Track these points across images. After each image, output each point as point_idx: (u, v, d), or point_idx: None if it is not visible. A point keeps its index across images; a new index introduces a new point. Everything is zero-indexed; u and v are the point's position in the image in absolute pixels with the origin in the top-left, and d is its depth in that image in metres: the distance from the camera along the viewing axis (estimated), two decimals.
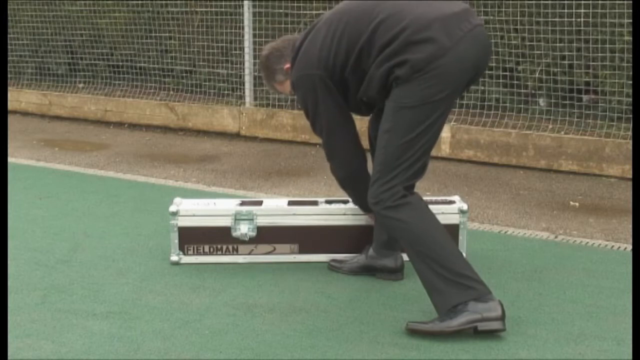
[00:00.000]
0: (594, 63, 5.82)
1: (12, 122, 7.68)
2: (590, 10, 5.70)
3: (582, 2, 5.71)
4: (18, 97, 8.35)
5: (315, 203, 3.83)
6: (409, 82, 3.03)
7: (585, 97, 5.99)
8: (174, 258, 3.75)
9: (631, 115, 5.54)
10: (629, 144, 5.46)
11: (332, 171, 3.48)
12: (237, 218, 3.72)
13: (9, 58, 8.57)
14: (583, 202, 4.99)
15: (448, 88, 3.05)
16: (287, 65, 3.39)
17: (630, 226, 4.41)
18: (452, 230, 3.76)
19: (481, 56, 3.13)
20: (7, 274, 3.44)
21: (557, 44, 5.93)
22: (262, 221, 3.75)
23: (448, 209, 3.79)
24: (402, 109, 3.06)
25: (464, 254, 3.76)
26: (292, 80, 3.33)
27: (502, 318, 2.98)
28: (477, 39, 3.07)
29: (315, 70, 3.22)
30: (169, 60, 7.75)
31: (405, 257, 3.55)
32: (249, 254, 3.75)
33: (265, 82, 3.58)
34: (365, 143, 3.47)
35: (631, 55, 5.52)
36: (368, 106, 3.35)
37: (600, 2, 5.66)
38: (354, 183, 3.48)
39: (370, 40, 3.09)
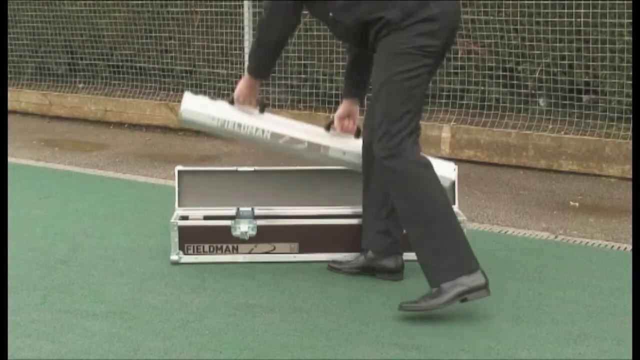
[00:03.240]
0: (593, 63, 5.82)
1: (12, 122, 7.68)
2: (590, 10, 5.70)
3: (582, 2, 5.71)
4: (18, 97, 8.35)
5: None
6: (401, 31, 3.11)
7: (585, 97, 5.99)
8: (174, 257, 3.75)
9: (631, 115, 5.55)
10: (629, 144, 5.47)
11: (264, 28, 3.43)
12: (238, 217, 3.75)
13: (9, 58, 8.56)
14: (583, 202, 4.99)
15: (438, 39, 3.14)
16: None
17: (630, 226, 4.41)
18: None
19: (457, 18, 3.26)
20: (7, 274, 3.44)
21: (557, 44, 5.93)
22: (262, 220, 3.75)
23: None
24: (397, 55, 3.12)
25: None
26: None
27: (486, 285, 3.10)
28: None
29: None
30: (169, 61, 7.75)
31: (405, 257, 3.56)
32: (249, 253, 3.75)
33: None
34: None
35: (631, 55, 5.52)
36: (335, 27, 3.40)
37: (600, 2, 5.66)
38: (278, 49, 3.48)
39: None
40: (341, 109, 3.65)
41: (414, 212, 3.13)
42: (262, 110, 3.66)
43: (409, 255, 3.60)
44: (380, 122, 3.15)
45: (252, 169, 3.92)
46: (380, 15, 3.14)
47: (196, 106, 3.65)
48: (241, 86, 3.60)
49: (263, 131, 3.61)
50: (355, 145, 3.60)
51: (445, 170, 3.62)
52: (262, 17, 3.43)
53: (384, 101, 3.15)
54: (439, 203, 3.12)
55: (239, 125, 3.61)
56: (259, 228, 3.72)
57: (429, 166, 3.16)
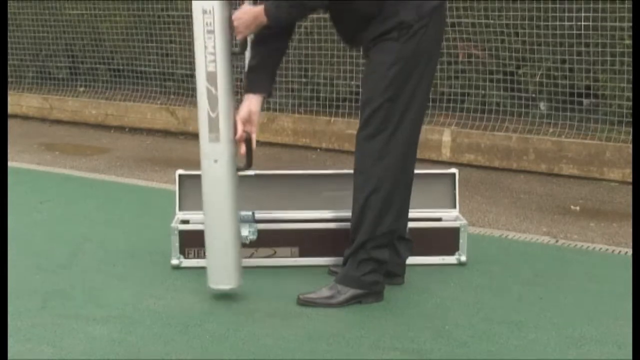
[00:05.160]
0: (594, 67, 5.82)
1: (13, 126, 7.68)
2: (591, 14, 5.70)
3: (583, 6, 5.71)
4: (19, 101, 8.35)
5: None
6: (410, 38, 3.12)
7: (585, 101, 5.99)
8: (175, 262, 3.75)
9: (631, 119, 5.54)
10: (629, 148, 5.46)
11: None
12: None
13: (10, 62, 8.57)
14: (584, 206, 4.99)
15: (438, 39, 3.27)
16: None
17: (631, 230, 4.41)
18: (452, 233, 3.77)
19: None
20: (7, 279, 3.44)
21: (558, 48, 5.93)
22: (263, 224, 3.75)
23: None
24: (402, 70, 3.15)
25: (464, 258, 3.76)
26: None
27: (382, 289, 3.37)
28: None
29: None
30: (170, 65, 7.75)
31: (407, 261, 3.56)
32: (250, 257, 3.75)
33: None
34: None
35: (631, 59, 5.52)
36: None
37: (600, 6, 5.66)
38: (307, 12, 3.29)
39: None
40: (245, 109, 3.30)
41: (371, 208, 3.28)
42: (242, 51, 3.38)
43: (411, 260, 3.60)
44: (374, 122, 3.19)
45: (252, 172, 3.91)
46: (395, 9, 3.11)
47: None
48: (244, 20, 3.21)
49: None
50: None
51: None
52: None
53: (384, 110, 3.17)
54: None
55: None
56: (260, 232, 3.72)
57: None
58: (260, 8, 3.17)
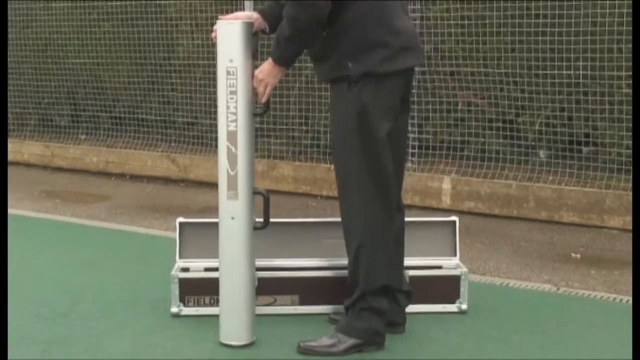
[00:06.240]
0: (593, 115, 5.85)
1: (15, 174, 7.69)
2: (589, 63, 5.74)
3: (581, 55, 5.76)
4: (20, 149, 8.38)
5: None
6: (359, 88, 3.13)
7: (585, 149, 6.01)
8: (175, 310, 3.74)
9: (631, 167, 5.56)
10: (629, 196, 5.47)
11: (296, 11, 3.07)
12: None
13: (12, 110, 8.61)
14: (584, 254, 4.98)
15: (395, 94, 3.24)
16: None
17: (632, 278, 4.40)
18: (453, 281, 3.76)
19: (416, 65, 3.41)
20: (7, 327, 3.42)
21: (557, 96, 5.96)
22: (263, 272, 3.74)
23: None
24: (357, 125, 3.16)
25: (465, 306, 3.75)
26: None
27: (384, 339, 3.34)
28: None
29: None
30: (171, 112, 7.78)
31: (407, 309, 3.55)
32: None
33: None
34: None
35: (630, 107, 5.55)
36: None
37: (598, 55, 5.71)
38: (315, 32, 3.16)
39: None
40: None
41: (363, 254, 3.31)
42: (266, 110, 3.40)
43: (411, 308, 3.59)
44: (349, 177, 3.28)
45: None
46: (346, 62, 3.13)
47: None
48: (266, 70, 3.26)
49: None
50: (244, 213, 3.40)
51: None
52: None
53: (354, 164, 3.22)
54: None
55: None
56: (260, 280, 3.72)
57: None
58: (271, 63, 3.24)
